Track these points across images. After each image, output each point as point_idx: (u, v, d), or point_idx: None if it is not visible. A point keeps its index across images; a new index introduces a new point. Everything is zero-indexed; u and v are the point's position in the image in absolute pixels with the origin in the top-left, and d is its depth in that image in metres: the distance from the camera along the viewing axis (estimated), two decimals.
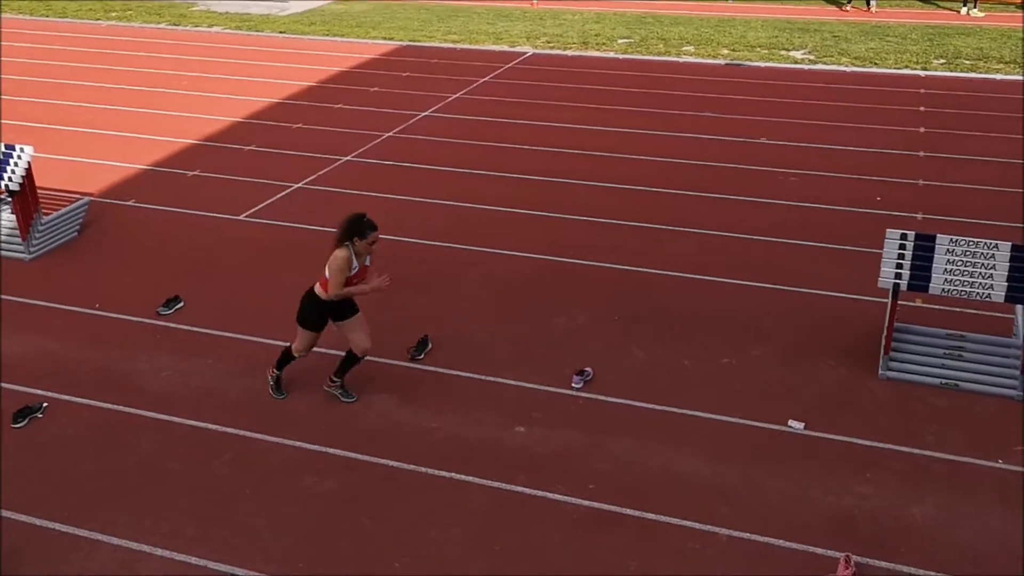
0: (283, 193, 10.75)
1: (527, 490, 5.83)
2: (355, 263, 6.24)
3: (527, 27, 19.90)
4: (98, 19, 21.58)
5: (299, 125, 13.31)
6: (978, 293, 6.60)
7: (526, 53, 17.72)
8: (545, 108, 14.06)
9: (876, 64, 16.38)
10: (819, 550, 5.31)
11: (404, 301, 8.23)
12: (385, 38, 19.08)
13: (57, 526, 5.56)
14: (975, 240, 6.67)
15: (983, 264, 6.61)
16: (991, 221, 9.60)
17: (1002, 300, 6.62)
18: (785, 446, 6.25)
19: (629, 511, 5.64)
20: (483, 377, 6.99)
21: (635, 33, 19.13)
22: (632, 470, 6.02)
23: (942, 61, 16.54)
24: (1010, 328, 7.40)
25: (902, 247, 6.77)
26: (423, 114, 13.85)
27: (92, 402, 6.79)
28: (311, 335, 6.55)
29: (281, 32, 19.90)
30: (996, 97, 14.45)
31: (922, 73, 15.81)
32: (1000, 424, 6.44)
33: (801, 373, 7.07)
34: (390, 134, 12.92)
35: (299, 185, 10.99)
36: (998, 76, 15.63)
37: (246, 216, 10.13)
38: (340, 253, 6.21)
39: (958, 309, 7.77)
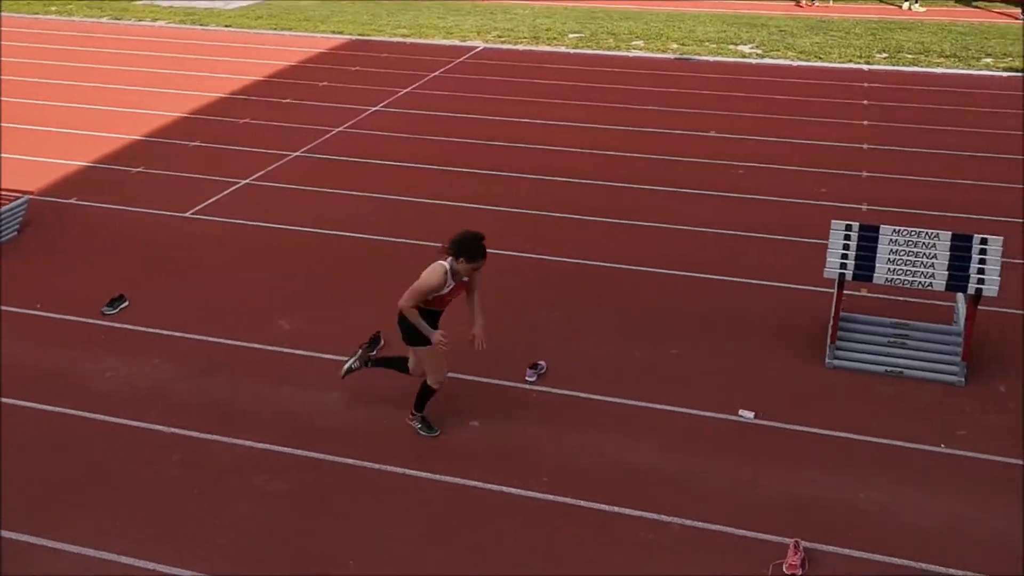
0: (230, 190, 10.59)
1: (482, 484, 5.83)
2: (450, 281, 5.91)
3: (478, 21, 19.86)
4: (37, 14, 21.04)
5: (246, 120, 13.12)
6: (920, 282, 6.73)
7: (477, 47, 17.68)
8: (496, 103, 14.05)
9: (821, 58, 16.65)
10: (769, 536, 5.39)
11: (354, 298, 8.18)
12: (334, 32, 18.91)
13: None
14: (917, 230, 6.81)
15: (924, 254, 6.74)
16: (933, 211, 9.82)
17: (943, 289, 6.76)
18: (735, 435, 6.33)
19: (583, 503, 5.67)
20: None
21: (585, 28, 19.21)
22: (586, 462, 6.05)
23: (885, 55, 16.88)
24: (951, 316, 7.59)
25: (847, 237, 6.89)
26: (373, 109, 13.74)
27: (35, 405, 6.61)
28: (431, 351, 6.03)
29: (227, 26, 19.60)
30: (937, 90, 14.78)
31: (865, 67, 16.11)
32: (943, 409, 6.60)
33: (750, 363, 7.17)
34: (340, 129, 12.79)
35: (247, 181, 10.84)
36: (939, 70, 15.99)
37: (192, 213, 9.95)
38: (437, 268, 5.85)
39: (902, 298, 7.93)
